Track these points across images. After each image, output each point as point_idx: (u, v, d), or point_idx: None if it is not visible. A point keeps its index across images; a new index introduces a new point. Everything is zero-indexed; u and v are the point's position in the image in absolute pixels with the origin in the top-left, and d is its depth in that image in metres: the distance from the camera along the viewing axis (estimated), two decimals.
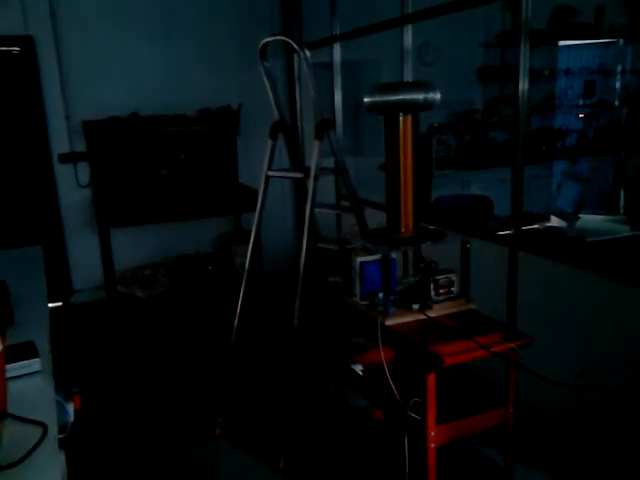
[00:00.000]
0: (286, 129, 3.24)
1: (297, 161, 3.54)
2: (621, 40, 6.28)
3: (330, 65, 4.00)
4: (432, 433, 2.25)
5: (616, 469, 2.67)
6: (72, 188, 5.25)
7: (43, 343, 2.07)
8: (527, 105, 2.36)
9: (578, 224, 4.27)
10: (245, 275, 3.22)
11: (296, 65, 5.06)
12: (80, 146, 5.21)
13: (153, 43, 5.38)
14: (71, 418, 1.90)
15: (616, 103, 6.42)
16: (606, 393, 2.26)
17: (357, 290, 2.56)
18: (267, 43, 3.05)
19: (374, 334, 2.33)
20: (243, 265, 3.31)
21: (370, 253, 2.55)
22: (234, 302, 3.23)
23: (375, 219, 2.86)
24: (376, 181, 3.74)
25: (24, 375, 1.83)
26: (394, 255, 2.46)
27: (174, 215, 5.20)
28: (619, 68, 6.39)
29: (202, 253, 5.70)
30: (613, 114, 6.48)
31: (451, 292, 2.45)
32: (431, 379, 2.19)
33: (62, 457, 1.75)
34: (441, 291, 2.43)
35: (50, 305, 2.62)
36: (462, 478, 2.70)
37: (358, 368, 2.80)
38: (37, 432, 1.49)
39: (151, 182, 5.34)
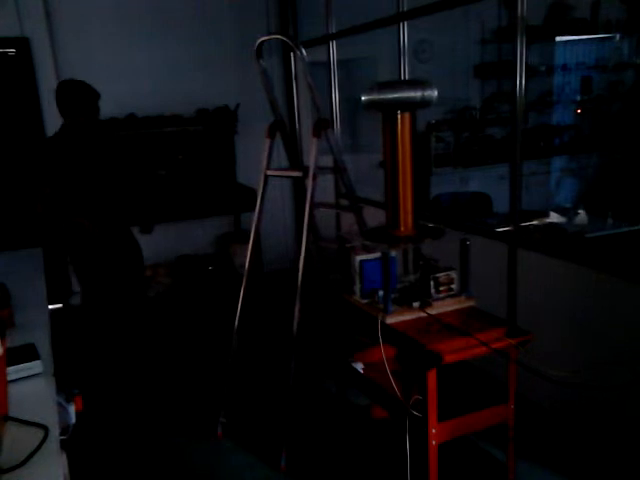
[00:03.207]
0: (283, 128, 3.24)
1: (296, 160, 3.54)
2: (617, 35, 6.29)
3: (327, 63, 3.99)
4: (433, 430, 2.25)
5: (617, 464, 2.67)
6: None
7: (44, 345, 2.08)
8: (524, 101, 2.36)
9: (577, 220, 4.27)
10: (245, 275, 3.22)
11: (293, 64, 5.06)
12: None
13: (149, 44, 5.38)
14: (72, 420, 1.90)
15: (613, 98, 6.44)
16: (605, 391, 2.27)
17: (357, 288, 2.57)
18: (263, 42, 3.05)
19: (375, 332, 2.33)
20: (243, 265, 3.31)
21: (370, 251, 2.55)
22: (234, 302, 3.23)
23: (375, 218, 2.86)
24: (374, 178, 3.74)
25: (25, 377, 1.84)
26: (394, 253, 2.46)
27: (173, 216, 5.21)
28: (614, 63, 6.40)
29: (201, 253, 5.70)
30: (610, 109, 6.49)
31: (451, 289, 2.46)
32: (432, 376, 2.19)
33: (64, 459, 1.75)
34: (441, 288, 2.43)
35: (50, 307, 2.62)
36: (463, 475, 2.71)
37: (359, 366, 2.81)
38: (39, 434, 1.49)
39: (149, 183, 5.33)
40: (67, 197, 3.52)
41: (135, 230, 3.88)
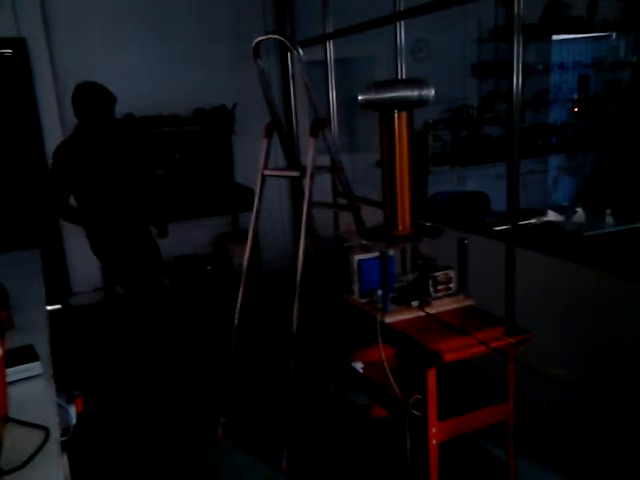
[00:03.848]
0: (281, 128, 3.24)
1: (293, 160, 3.54)
2: (614, 34, 6.31)
3: (324, 63, 4.00)
4: (433, 429, 2.25)
5: (617, 463, 2.68)
6: None
7: (43, 346, 2.08)
8: (521, 100, 2.36)
9: (575, 218, 4.28)
10: (244, 275, 3.22)
11: (290, 63, 5.06)
12: None
13: (146, 44, 5.37)
14: (73, 421, 1.90)
15: (610, 97, 6.45)
16: (605, 391, 2.27)
17: (356, 288, 2.57)
18: (260, 42, 3.05)
19: (374, 331, 2.33)
20: (241, 265, 3.31)
21: (368, 251, 2.55)
22: (233, 302, 3.23)
23: (373, 217, 2.86)
24: (372, 177, 3.75)
25: (25, 379, 1.83)
26: (392, 252, 2.46)
27: (171, 216, 5.20)
28: (611, 62, 6.42)
29: (200, 253, 5.70)
30: (607, 108, 6.50)
31: (449, 288, 2.46)
32: (431, 375, 2.19)
33: (64, 460, 1.76)
34: (439, 287, 2.44)
35: (49, 308, 2.62)
36: (464, 474, 2.71)
37: (358, 365, 2.81)
38: (39, 436, 1.49)
39: (148, 183, 5.33)
40: (85, 199, 3.53)
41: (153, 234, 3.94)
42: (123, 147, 3.68)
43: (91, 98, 3.44)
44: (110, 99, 3.50)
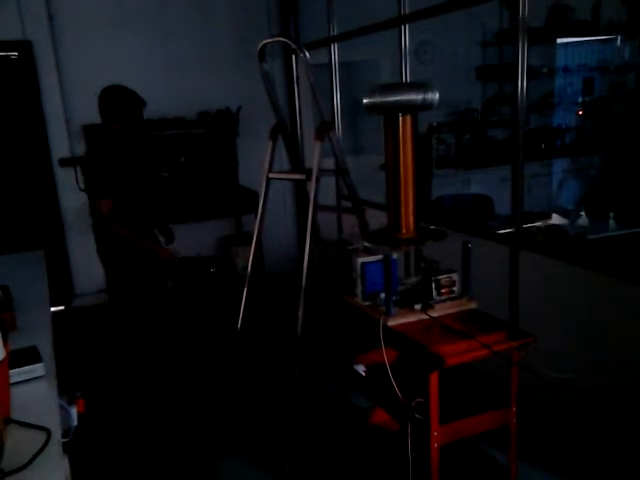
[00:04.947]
0: (285, 130, 3.24)
1: (297, 162, 3.54)
2: (619, 37, 6.29)
3: (328, 65, 4.00)
4: (435, 433, 2.25)
5: (618, 465, 2.67)
6: (73, 192, 5.21)
7: (46, 348, 2.08)
8: (526, 103, 2.36)
9: (579, 222, 4.28)
10: (247, 277, 3.21)
11: (294, 66, 5.06)
12: (80, 150, 5.20)
13: (151, 46, 5.39)
14: (74, 422, 1.90)
15: (615, 100, 6.43)
16: (606, 395, 2.27)
17: (359, 291, 2.57)
18: (265, 45, 3.05)
19: (376, 334, 2.33)
20: (244, 267, 3.31)
21: (371, 254, 2.55)
22: (237, 304, 3.23)
23: (378, 219, 2.85)
24: (376, 180, 3.74)
25: (27, 380, 1.84)
26: (395, 255, 2.46)
27: (175, 218, 5.20)
28: (616, 65, 6.40)
29: (204, 256, 5.70)
30: (612, 111, 6.48)
31: (453, 292, 2.45)
32: (434, 379, 2.19)
33: (66, 461, 1.76)
34: (443, 291, 2.43)
35: (52, 309, 2.63)
36: (465, 478, 2.70)
37: (360, 369, 2.80)
38: (41, 437, 1.49)
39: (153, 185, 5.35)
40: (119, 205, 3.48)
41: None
42: (146, 150, 3.69)
43: (127, 100, 3.44)
44: (141, 101, 3.50)
